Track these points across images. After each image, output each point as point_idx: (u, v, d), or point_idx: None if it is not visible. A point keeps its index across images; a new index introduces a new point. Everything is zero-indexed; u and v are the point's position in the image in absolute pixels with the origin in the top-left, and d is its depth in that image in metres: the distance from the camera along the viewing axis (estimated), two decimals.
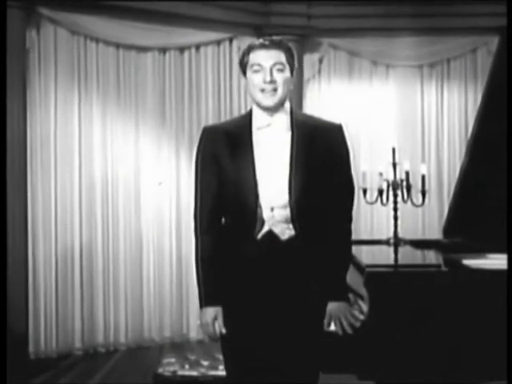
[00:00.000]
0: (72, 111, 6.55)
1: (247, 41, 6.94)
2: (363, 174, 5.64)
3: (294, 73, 2.94)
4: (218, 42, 7.22)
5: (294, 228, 2.87)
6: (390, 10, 7.40)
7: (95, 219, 6.65)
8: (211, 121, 6.92)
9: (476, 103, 7.00)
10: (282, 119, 2.92)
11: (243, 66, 2.93)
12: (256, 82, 2.87)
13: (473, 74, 7.74)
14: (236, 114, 6.84)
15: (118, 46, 6.78)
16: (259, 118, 2.92)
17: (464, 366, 3.38)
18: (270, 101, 2.87)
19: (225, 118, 6.98)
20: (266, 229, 2.87)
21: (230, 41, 7.27)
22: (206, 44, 7.16)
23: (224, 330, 2.88)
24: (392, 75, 7.78)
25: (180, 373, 4.92)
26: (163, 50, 7.01)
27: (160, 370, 4.97)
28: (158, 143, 7.00)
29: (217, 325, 2.89)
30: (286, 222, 2.87)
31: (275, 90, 2.86)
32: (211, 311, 2.90)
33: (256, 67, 2.87)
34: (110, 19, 6.58)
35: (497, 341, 3.33)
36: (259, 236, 2.87)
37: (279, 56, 2.88)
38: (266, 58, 2.87)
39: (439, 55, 7.71)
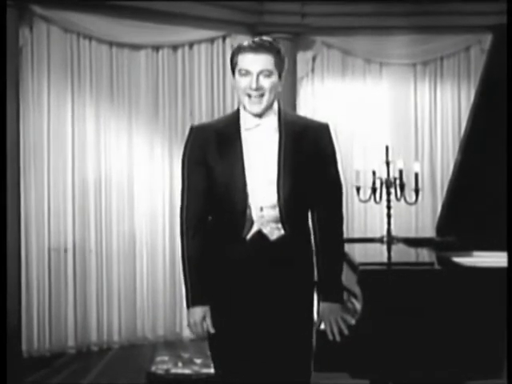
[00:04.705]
0: (65, 109, 6.53)
1: (241, 39, 6.95)
2: (357, 172, 5.64)
3: (284, 74, 2.90)
4: (212, 40, 7.22)
5: (283, 228, 2.86)
6: (384, 9, 7.41)
7: (88, 217, 6.63)
8: (205, 119, 6.92)
9: (469, 101, 6.99)
10: (271, 120, 2.90)
11: (232, 67, 2.90)
12: (243, 87, 2.84)
13: (466, 72, 7.76)
14: (229, 112, 6.83)
15: (111, 43, 6.76)
16: (248, 119, 2.90)
17: (458, 363, 3.38)
18: (256, 108, 2.84)
19: (218, 115, 6.96)
20: (255, 229, 2.86)
21: (224, 39, 7.26)
22: (200, 42, 7.15)
23: (212, 330, 2.88)
24: (385, 73, 7.78)
25: (173, 371, 4.93)
26: (156, 48, 7.00)
27: (153, 368, 4.98)
28: (151, 141, 6.99)
29: (205, 324, 2.89)
30: (275, 221, 2.86)
31: (262, 95, 2.83)
32: (199, 311, 2.89)
33: (243, 71, 2.83)
34: (103, 17, 6.57)
35: (491, 339, 3.34)
36: (248, 236, 2.86)
37: (268, 61, 2.82)
38: (254, 63, 2.82)
39: (432, 53, 7.72)
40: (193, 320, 2.90)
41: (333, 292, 2.94)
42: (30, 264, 6.33)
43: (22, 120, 6.23)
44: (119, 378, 5.69)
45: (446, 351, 3.34)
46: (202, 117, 7.06)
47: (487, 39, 6.54)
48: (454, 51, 7.72)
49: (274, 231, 2.86)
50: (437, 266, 3.67)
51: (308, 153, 2.88)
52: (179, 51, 7.11)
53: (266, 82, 2.82)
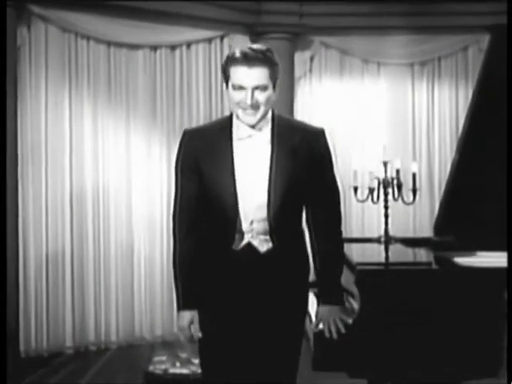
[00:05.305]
0: (63, 109, 6.52)
1: (238, 39, 6.98)
2: (354, 172, 5.64)
3: (278, 82, 2.83)
4: (210, 40, 7.21)
5: (272, 240, 2.85)
6: (382, 9, 7.42)
7: (86, 218, 6.62)
8: (202, 118, 6.94)
9: (467, 101, 7.00)
10: (264, 131, 2.86)
11: (225, 78, 2.82)
12: (237, 101, 2.78)
13: (464, 72, 7.77)
14: (227, 112, 6.80)
15: (108, 43, 6.76)
16: (240, 128, 2.86)
17: (456, 363, 3.38)
18: (251, 119, 2.80)
19: (216, 115, 6.99)
20: (245, 241, 2.85)
21: (222, 39, 7.26)
22: (197, 42, 7.16)
23: (200, 334, 2.88)
24: (383, 73, 7.79)
25: (171, 371, 4.93)
26: (154, 48, 7.00)
27: (151, 368, 4.98)
28: (149, 140, 6.99)
29: (193, 329, 2.90)
30: (265, 234, 2.85)
31: (257, 108, 2.78)
32: (187, 315, 2.90)
33: (237, 86, 2.76)
34: (101, 17, 6.56)
35: (488, 338, 3.34)
36: (238, 248, 2.86)
37: (262, 75, 2.74)
38: (248, 78, 2.73)
39: (430, 53, 7.73)
40: (181, 323, 2.91)
41: (333, 294, 2.95)
42: (27, 265, 6.32)
43: (19, 119, 6.22)
44: (117, 377, 5.69)
45: (443, 351, 3.34)
46: (200, 116, 7.06)
47: (485, 39, 6.56)
48: (451, 51, 7.74)
49: (264, 244, 2.86)
50: (434, 266, 3.67)
51: (303, 160, 2.85)
52: (177, 51, 7.11)
53: (261, 97, 2.76)
